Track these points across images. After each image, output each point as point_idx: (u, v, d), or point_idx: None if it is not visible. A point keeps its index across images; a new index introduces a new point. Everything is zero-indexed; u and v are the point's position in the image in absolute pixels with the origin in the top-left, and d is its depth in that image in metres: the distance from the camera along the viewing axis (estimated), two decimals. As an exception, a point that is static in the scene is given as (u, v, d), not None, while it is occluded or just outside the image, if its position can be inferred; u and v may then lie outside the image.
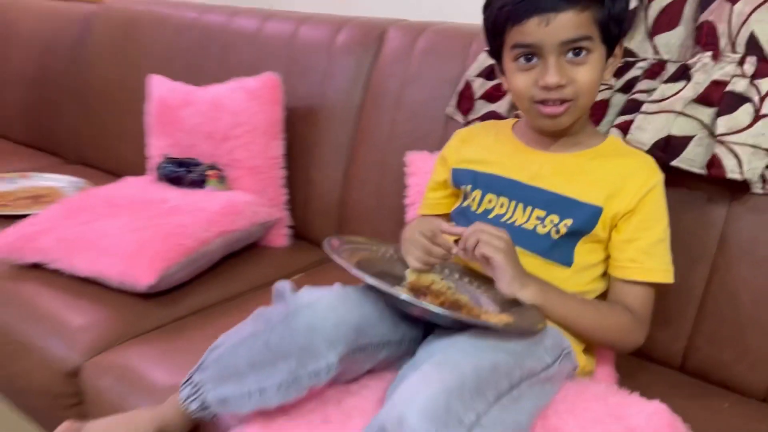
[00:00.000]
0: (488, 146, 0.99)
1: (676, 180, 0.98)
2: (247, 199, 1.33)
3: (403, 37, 1.37)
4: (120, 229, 1.18)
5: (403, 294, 0.74)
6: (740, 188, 0.94)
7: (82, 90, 1.94)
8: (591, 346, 0.92)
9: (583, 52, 0.83)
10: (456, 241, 0.85)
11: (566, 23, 0.81)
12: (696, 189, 0.99)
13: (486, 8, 0.90)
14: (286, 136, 1.44)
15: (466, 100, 1.22)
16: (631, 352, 1.01)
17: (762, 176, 0.92)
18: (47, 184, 1.67)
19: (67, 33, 2.00)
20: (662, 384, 0.97)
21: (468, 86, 1.22)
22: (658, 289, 0.90)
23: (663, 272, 0.88)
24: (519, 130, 0.99)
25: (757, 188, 0.93)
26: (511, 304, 0.82)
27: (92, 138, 1.93)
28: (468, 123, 1.21)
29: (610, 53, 0.88)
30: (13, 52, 2.13)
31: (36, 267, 1.22)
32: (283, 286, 0.79)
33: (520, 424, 0.67)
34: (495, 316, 0.79)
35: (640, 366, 1.03)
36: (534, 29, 0.82)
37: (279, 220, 1.42)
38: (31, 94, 2.04)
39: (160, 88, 1.50)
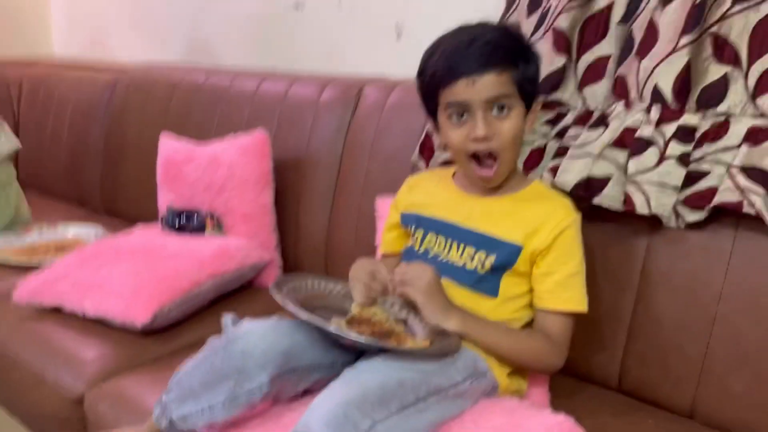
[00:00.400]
0: (431, 192, 1.12)
1: (603, 216, 1.09)
2: (238, 244, 1.48)
3: (377, 94, 1.52)
4: (123, 273, 1.34)
5: (330, 326, 0.86)
6: (659, 222, 1.03)
7: (107, 147, 2.15)
8: (524, 369, 1.02)
9: (505, 109, 0.97)
10: None
11: (489, 83, 0.95)
12: (621, 224, 1.09)
13: (420, 75, 1.04)
14: (276, 185, 1.60)
15: (427, 150, 1.35)
16: (571, 374, 1.12)
17: (675, 211, 1.02)
18: (71, 233, 1.87)
19: (95, 98, 2.23)
20: (596, 403, 1.07)
21: (428, 137, 1.35)
22: (578, 317, 1.00)
23: (577, 302, 0.98)
24: (458, 178, 1.12)
25: (671, 223, 1.02)
26: (440, 332, 0.94)
27: (115, 190, 2.13)
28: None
29: (528, 108, 1.01)
30: (50, 117, 2.38)
31: (55, 310, 1.39)
32: (227, 318, 0.93)
33: (417, 430, 0.78)
34: (419, 342, 0.91)
35: (578, 387, 1.12)
36: (463, 89, 0.96)
37: (270, 261, 1.56)
38: (65, 153, 2.28)
39: (167, 146, 1.69)
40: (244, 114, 1.77)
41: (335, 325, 0.89)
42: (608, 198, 1.05)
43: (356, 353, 0.93)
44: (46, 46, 2.90)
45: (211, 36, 2.23)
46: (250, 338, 0.86)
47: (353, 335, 0.86)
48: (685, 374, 1.02)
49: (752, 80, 1.00)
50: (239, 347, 0.86)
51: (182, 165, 1.62)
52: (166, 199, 1.66)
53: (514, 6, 1.35)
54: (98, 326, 1.33)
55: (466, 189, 1.08)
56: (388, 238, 1.20)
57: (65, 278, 1.37)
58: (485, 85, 0.94)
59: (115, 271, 1.35)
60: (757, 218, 0.93)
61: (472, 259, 1.00)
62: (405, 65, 1.69)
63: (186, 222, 1.55)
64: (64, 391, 1.22)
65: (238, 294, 1.51)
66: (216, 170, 1.56)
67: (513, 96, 0.97)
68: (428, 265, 0.96)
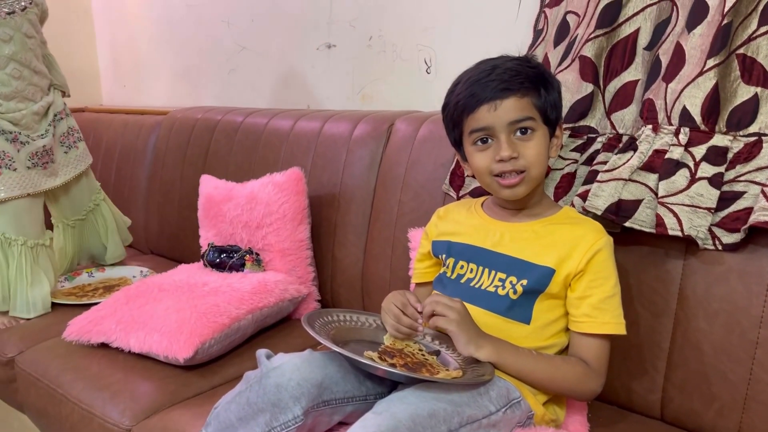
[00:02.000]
0: (460, 220, 1.14)
1: (637, 239, 1.08)
2: (277, 279, 1.51)
3: (407, 127, 1.55)
4: (166, 310, 1.38)
5: (363, 358, 0.87)
6: (694, 245, 1.02)
7: (151, 188, 2.24)
8: (561, 397, 1.01)
9: (528, 131, 0.99)
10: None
11: (510, 107, 0.98)
12: (656, 246, 1.07)
13: (445, 106, 1.07)
14: (312, 220, 1.64)
15: (457, 178, 1.37)
16: (610, 402, 1.10)
17: (711, 233, 1.00)
18: (119, 274, 1.94)
19: (140, 141, 2.32)
20: (636, 432, 1.04)
21: (459, 165, 1.37)
22: (616, 342, 0.99)
23: (615, 325, 0.97)
24: (487, 206, 1.13)
25: (707, 244, 1.01)
26: (473, 361, 0.94)
27: (160, 230, 2.20)
28: (460, 197, 1.35)
29: (552, 134, 1.03)
30: (98, 161, 2.48)
31: (103, 346, 1.44)
32: (261, 353, 0.95)
33: (450, 459, 0.78)
34: (451, 372, 0.91)
35: (619, 416, 1.10)
36: (485, 115, 0.99)
37: (308, 295, 1.59)
38: (112, 195, 2.36)
39: (207, 186, 1.74)
40: (281, 153, 1.82)
41: (367, 357, 0.90)
42: (640, 221, 1.05)
43: (390, 385, 0.94)
44: (94, 98, 3.05)
45: (246, 79, 2.31)
46: (284, 371, 0.88)
47: (385, 366, 0.87)
48: (729, 402, 0.99)
49: (783, 99, 0.99)
50: (273, 381, 0.87)
51: (221, 204, 1.67)
52: (207, 237, 1.71)
53: (541, 38, 1.37)
54: (143, 362, 1.37)
55: (495, 215, 1.09)
56: (420, 267, 1.21)
57: (111, 316, 1.42)
58: (507, 109, 0.97)
59: (159, 309, 1.39)
60: (794, 238, 0.91)
61: (504, 284, 1.01)
62: (434, 99, 1.74)
63: (226, 259, 1.59)
64: (111, 426, 1.25)
65: (278, 328, 1.54)
66: (254, 208, 1.61)
67: (535, 119, 0.99)
68: (456, 299, 0.96)
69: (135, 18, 2.78)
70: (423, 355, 0.98)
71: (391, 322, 1.01)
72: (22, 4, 1.72)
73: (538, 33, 1.38)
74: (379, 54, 1.86)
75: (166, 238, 2.18)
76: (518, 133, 0.99)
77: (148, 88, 2.81)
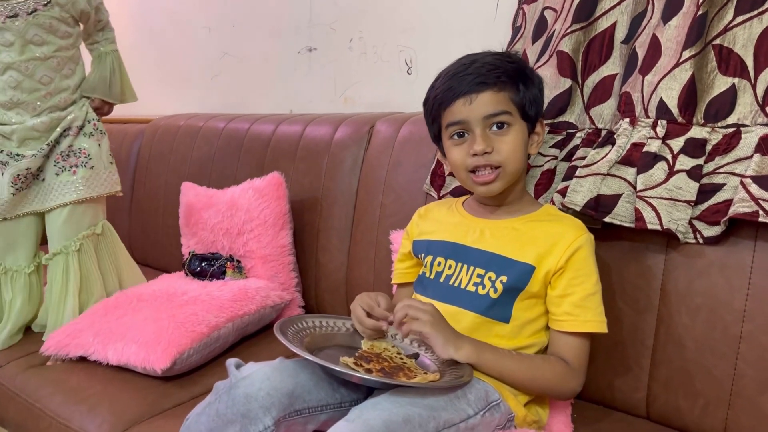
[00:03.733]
0: (440, 219, 1.12)
1: (618, 234, 1.07)
2: (258, 285, 1.49)
3: (388, 129, 1.53)
4: (143, 321, 1.35)
5: (336, 365, 0.85)
6: (675, 239, 1.00)
7: (135, 197, 2.22)
8: (544, 397, 0.99)
9: (504, 125, 0.97)
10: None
11: (486, 101, 0.96)
12: (637, 242, 1.06)
13: (425, 101, 1.06)
14: (294, 225, 1.62)
15: (438, 178, 1.35)
16: (595, 401, 1.08)
17: (691, 226, 0.99)
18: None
19: (123, 149, 2.30)
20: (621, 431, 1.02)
21: (439, 164, 1.35)
22: (599, 339, 0.97)
23: (596, 323, 0.95)
24: (468, 204, 1.11)
25: (688, 238, 0.99)
26: (452, 363, 0.92)
27: (144, 240, 2.18)
28: (441, 197, 1.33)
29: (531, 130, 1.01)
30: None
31: (82, 359, 1.41)
32: (230, 362, 0.92)
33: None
34: (428, 376, 0.89)
35: (603, 414, 1.08)
36: (461, 108, 0.98)
37: (291, 301, 1.56)
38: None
39: (188, 193, 1.72)
40: (263, 158, 1.80)
41: (342, 363, 0.88)
42: (619, 215, 1.03)
43: (366, 391, 0.92)
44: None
45: (229, 84, 2.29)
46: (254, 381, 0.85)
47: (359, 373, 0.84)
48: (715, 398, 0.97)
49: (761, 89, 0.97)
50: (242, 391, 0.85)
51: (202, 211, 1.65)
52: (188, 246, 1.69)
53: (520, 34, 1.36)
54: (123, 374, 1.34)
55: (476, 213, 1.08)
56: (400, 268, 1.19)
57: (89, 329, 1.40)
58: (482, 102, 0.96)
59: (136, 319, 1.37)
60: (775, 229, 0.89)
61: (483, 281, 0.99)
62: (416, 99, 1.72)
63: (207, 267, 1.57)
64: (88, 440, 1.22)
65: (261, 335, 1.51)
66: (234, 214, 1.58)
67: (512, 114, 0.98)
68: (427, 301, 0.95)
69: (116, 26, 2.75)
70: (401, 358, 0.96)
71: (357, 325, 1.00)
72: (31, 5, 1.49)
73: (516, 30, 1.36)
74: (360, 56, 1.85)
75: (151, 247, 2.15)
76: (494, 128, 0.97)
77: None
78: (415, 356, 0.98)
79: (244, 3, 2.16)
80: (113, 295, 1.55)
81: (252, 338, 1.50)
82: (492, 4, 1.52)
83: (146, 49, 2.63)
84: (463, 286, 1.01)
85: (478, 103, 0.96)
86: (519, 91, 0.98)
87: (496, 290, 0.97)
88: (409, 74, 1.73)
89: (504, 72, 0.97)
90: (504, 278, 0.97)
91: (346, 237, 1.57)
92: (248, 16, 2.16)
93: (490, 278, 0.98)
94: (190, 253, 1.63)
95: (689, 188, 0.98)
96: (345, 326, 1.06)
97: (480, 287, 0.99)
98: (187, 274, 1.61)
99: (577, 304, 0.95)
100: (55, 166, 1.61)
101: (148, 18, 2.58)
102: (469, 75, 0.97)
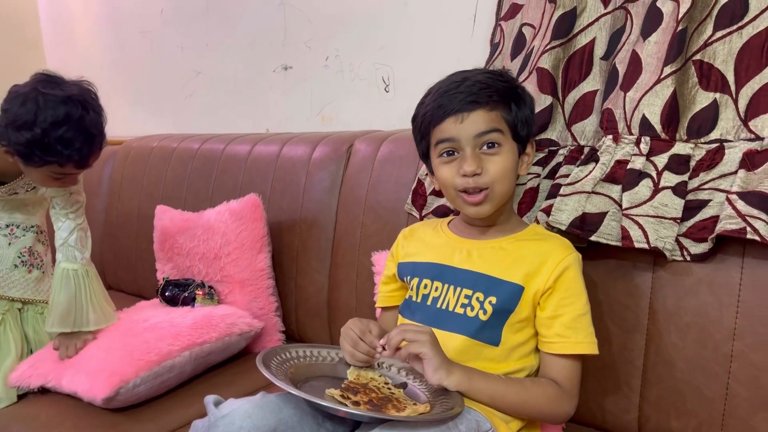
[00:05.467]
0: (426, 240, 1.09)
1: (604, 253, 1.05)
2: (225, 312, 1.43)
3: (367, 148, 1.50)
4: (97, 348, 1.30)
5: (322, 400, 0.81)
6: (662, 257, 0.99)
7: (107, 220, 2.15)
8: (535, 422, 0.96)
9: (495, 145, 0.95)
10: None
11: (477, 119, 0.94)
12: (624, 260, 1.04)
13: (414, 118, 1.04)
14: (273, 247, 1.58)
15: (419, 197, 1.32)
16: (586, 423, 1.05)
17: (678, 243, 0.97)
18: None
19: (95, 173, 2.24)
20: (614, 455, 1.00)
21: (420, 184, 1.33)
22: (589, 361, 0.94)
23: (588, 344, 0.93)
24: (453, 225, 1.09)
25: (676, 255, 0.98)
26: (442, 392, 0.89)
27: (118, 264, 2.11)
28: (423, 217, 1.31)
29: (522, 150, 0.99)
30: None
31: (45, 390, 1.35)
32: (209, 399, 0.88)
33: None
34: (418, 407, 0.85)
35: (595, 439, 1.06)
36: (451, 126, 0.95)
37: (271, 326, 1.52)
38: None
39: (162, 217, 1.68)
40: (239, 179, 1.76)
41: (328, 396, 0.84)
42: (605, 234, 1.01)
43: (353, 424, 0.88)
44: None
45: (204, 104, 2.26)
46: (233, 419, 0.81)
47: (347, 408, 0.81)
48: (707, 418, 0.95)
49: (743, 104, 0.97)
50: (221, 430, 0.81)
51: (177, 235, 1.60)
52: (163, 271, 1.64)
53: (498, 51, 1.35)
54: (77, 404, 1.28)
55: (462, 233, 1.05)
56: (384, 291, 1.16)
57: (50, 358, 1.34)
58: (474, 121, 0.94)
59: (92, 348, 1.32)
60: (762, 245, 0.88)
61: (471, 302, 0.96)
62: (394, 117, 1.71)
63: (179, 293, 1.52)
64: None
65: (232, 365, 1.47)
66: (210, 238, 1.54)
67: (504, 134, 0.95)
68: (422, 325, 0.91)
69: (86, 46, 2.71)
70: (389, 388, 0.93)
71: (348, 348, 0.96)
72: None
73: (494, 47, 1.35)
74: (336, 74, 1.82)
75: (125, 273, 2.09)
76: (485, 147, 0.95)
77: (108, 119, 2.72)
78: (404, 386, 0.94)
79: (219, 21, 2.13)
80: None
81: (221, 368, 1.45)
82: (468, 21, 1.51)
83: (118, 69, 2.58)
84: (451, 309, 0.98)
85: (470, 122, 0.94)
86: (511, 111, 0.96)
87: (485, 312, 0.95)
88: (387, 92, 1.71)
89: (496, 91, 0.95)
90: (493, 299, 0.95)
91: (326, 259, 1.53)
92: (222, 34, 2.12)
93: (478, 299, 0.96)
94: (164, 279, 1.58)
95: (675, 205, 0.97)
96: (330, 355, 1.02)
97: (468, 309, 0.96)
98: (161, 301, 1.56)
99: (567, 326, 0.92)
100: None
101: (120, 37, 2.53)
102: (460, 93, 0.95)
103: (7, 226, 1.51)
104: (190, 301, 1.50)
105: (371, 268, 1.36)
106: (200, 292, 1.49)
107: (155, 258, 1.69)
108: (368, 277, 1.38)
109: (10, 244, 1.50)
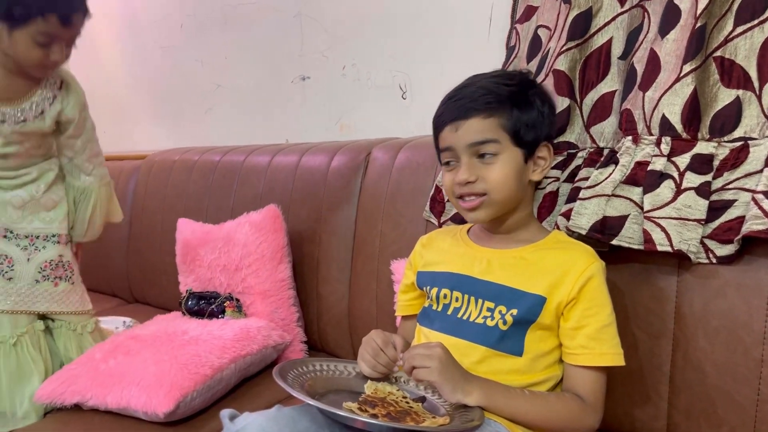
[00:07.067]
0: (445, 248, 1.08)
1: (627, 257, 1.03)
2: (259, 325, 1.44)
3: (385, 155, 1.50)
4: (143, 363, 1.30)
5: (339, 410, 0.80)
6: (687, 259, 0.96)
7: (132, 234, 2.18)
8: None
9: (489, 155, 0.94)
10: None
11: (472, 129, 0.94)
12: (648, 263, 1.01)
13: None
14: (294, 257, 1.58)
15: (437, 204, 1.31)
16: (613, 433, 1.02)
17: (703, 245, 0.95)
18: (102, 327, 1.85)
19: (120, 186, 2.26)
20: (644, 464, 0.97)
21: (438, 190, 1.31)
22: (614, 369, 0.92)
23: (613, 356, 0.90)
24: (473, 232, 1.07)
25: (701, 258, 0.95)
26: (461, 405, 0.87)
27: (143, 278, 2.14)
28: (442, 224, 1.30)
29: (530, 155, 0.97)
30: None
31: (77, 407, 1.36)
32: (224, 413, 0.88)
33: None
34: (437, 420, 0.84)
35: (623, 448, 1.03)
36: (448, 135, 0.96)
37: (293, 338, 1.52)
38: (94, 244, 2.31)
39: (184, 230, 1.69)
40: (259, 190, 1.77)
41: (345, 409, 0.83)
42: (627, 238, 0.99)
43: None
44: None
45: (224, 117, 2.27)
46: None
47: (364, 418, 0.80)
48: (738, 424, 0.92)
49: (767, 100, 0.94)
50: None
51: (198, 248, 1.61)
52: (186, 284, 1.65)
53: (514, 54, 1.33)
54: (120, 421, 1.29)
55: (481, 242, 1.04)
56: (404, 299, 1.15)
57: (86, 374, 1.35)
58: (468, 130, 0.94)
59: (136, 362, 1.32)
60: (791, 246, 0.85)
61: (493, 314, 0.94)
62: (411, 124, 1.70)
63: (205, 305, 1.53)
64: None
65: (261, 376, 1.46)
66: (231, 250, 1.55)
67: (500, 142, 0.94)
68: (435, 342, 0.90)
69: (109, 63, 2.75)
70: (407, 402, 0.91)
71: (368, 359, 0.95)
72: None
73: (510, 50, 1.34)
74: (354, 82, 1.82)
75: (150, 286, 2.11)
76: (480, 156, 0.95)
77: (128, 133, 2.76)
78: (422, 400, 0.93)
79: (236, 35, 2.15)
80: (108, 338, 1.50)
81: (253, 379, 1.45)
82: (484, 25, 1.50)
83: (140, 85, 2.62)
84: (471, 319, 0.97)
85: (464, 131, 0.94)
86: (512, 116, 0.94)
87: (505, 322, 0.93)
88: (404, 99, 1.71)
89: (496, 96, 0.94)
90: (514, 311, 0.93)
91: (346, 268, 1.53)
92: (240, 47, 2.14)
93: (500, 312, 0.94)
94: (187, 291, 1.59)
95: (698, 206, 0.94)
96: (347, 370, 1.01)
97: (489, 319, 0.95)
98: (184, 314, 1.57)
99: (592, 337, 0.90)
100: None
101: (141, 54, 2.57)
102: (460, 100, 0.95)
103: (27, 236, 1.51)
104: (219, 314, 1.50)
105: (390, 277, 1.35)
106: (229, 305, 1.50)
107: (178, 271, 1.70)
108: (388, 286, 1.37)
109: (29, 259, 1.50)
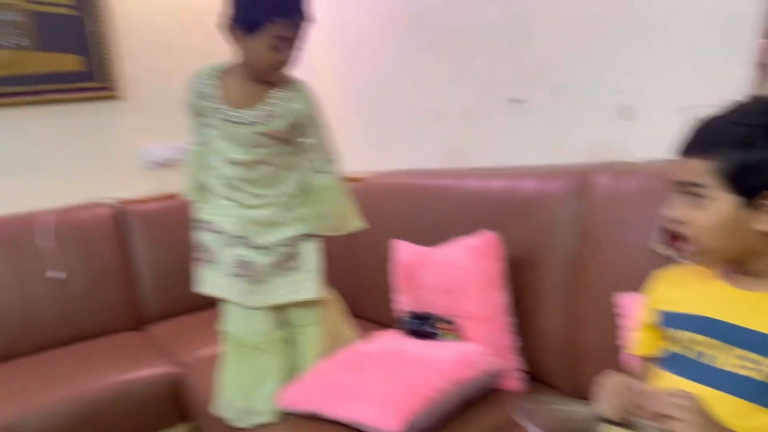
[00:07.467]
0: (693, 287, 1.00)
1: None
2: (477, 350, 1.45)
3: (609, 181, 1.43)
4: (370, 378, 1.38)
5: None
6: None
7: (353, 254, 2.31)
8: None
9: (699, 198, 0.89)
10: None
11: (684, 168, 0.91)
12: None
13: None
14: (511, 284, 1.56)
15: (680, 236, 1.21)
16: None
17: None
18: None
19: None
20: None
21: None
22: None
23: None
24: (725, 271, 0.98)
25: None
26: None
27: (358, 294, 2.25)
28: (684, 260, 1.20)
29: (754, 201, 0.87)
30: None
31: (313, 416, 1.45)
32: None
33: None
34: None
35: None
36: (672, 166, 0.94)
37: (509, 366, 1.50)
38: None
39: (401, 251, 1.76)
40: (471, 214, 1.77)
41: None
42: None
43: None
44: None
45: (436, 139, 2.33)
46: None
47: None
48: None
49: None
50: None
51: (415, 269, 1.67)
52: (403, 303, 1.72)
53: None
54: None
55: (736, 283, 0.94)
56: (642, 339, 1.08)
57: (324, 386, 1.45)
58: (681, 168, 0.92)
59: (363, 377, 1.40)
60: None
61: (750, 364, 0.86)
62: (633, 148, 1.60)
63: (426, 327, 1.58)
64: None
65: (479, 403, 1.46)
66: (448, 273, 1.58)
67: (710, 187, 0.88)
68: (687, 392, 0.83)
69: (323, 88, 2.95)
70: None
71: (611, 402, 0.90)
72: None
73: (762, 67, 1.21)
74: (569, 103, 1.77)
75: (365, 302, 2.21)
76: (689, 196, 0.91)
77: (343, 156, 2.95)
78: None
79: (449, 58, 2.19)
80: (340, 353, 1.60)
81: (468, 404, 1.45)
82: (718, 38, 1.37)
83: (353, 109, 2.79)
84: (725, 368, 0.88)
85: (678, 167, 0.92)
86: (732, 160, 0.86)
87: (761, 372, 0.84)
88: (628, 120, 1.62)
89: (706, 138, 0.89)
90: None
91: (565, 297, 1.48)
92: (451, 70, 2.18)
93: (757, 361, 0.85)
94: (408, 311, 1.65)
95: None
96: (583, 411, 0.98)
97: (744, 369, 0.86)
98: (403, 333, 1.63)
99: None
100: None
101: (353, 78, 2.73)
102: (691, 133, 0.92)
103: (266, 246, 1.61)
104: (434, 335, 1.54)
105: (612, 309, 1.28)
106: (446, 327, 1.53)
107: (393, 289, 1.77)
108: (611, 318, 1.31)
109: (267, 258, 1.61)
